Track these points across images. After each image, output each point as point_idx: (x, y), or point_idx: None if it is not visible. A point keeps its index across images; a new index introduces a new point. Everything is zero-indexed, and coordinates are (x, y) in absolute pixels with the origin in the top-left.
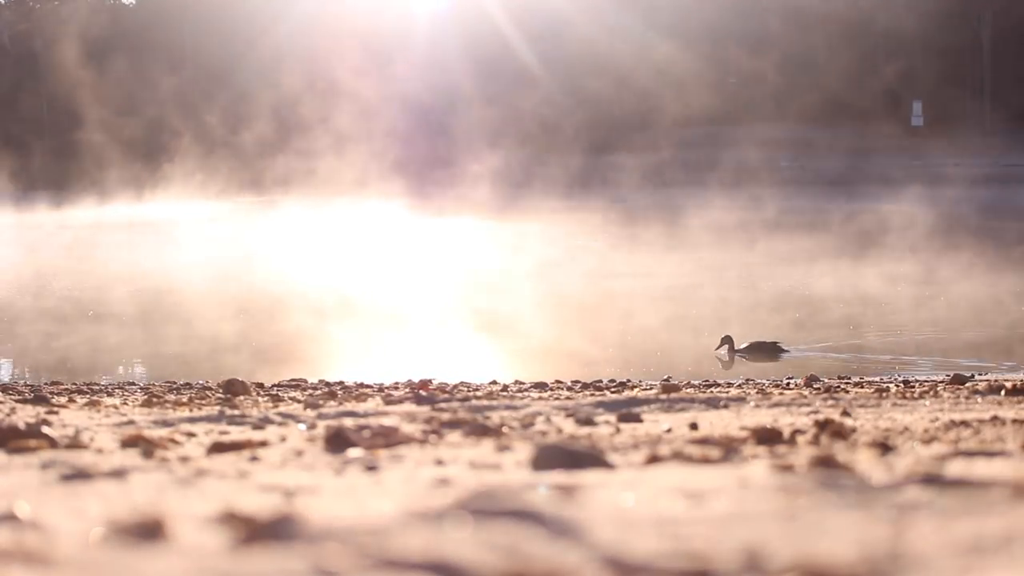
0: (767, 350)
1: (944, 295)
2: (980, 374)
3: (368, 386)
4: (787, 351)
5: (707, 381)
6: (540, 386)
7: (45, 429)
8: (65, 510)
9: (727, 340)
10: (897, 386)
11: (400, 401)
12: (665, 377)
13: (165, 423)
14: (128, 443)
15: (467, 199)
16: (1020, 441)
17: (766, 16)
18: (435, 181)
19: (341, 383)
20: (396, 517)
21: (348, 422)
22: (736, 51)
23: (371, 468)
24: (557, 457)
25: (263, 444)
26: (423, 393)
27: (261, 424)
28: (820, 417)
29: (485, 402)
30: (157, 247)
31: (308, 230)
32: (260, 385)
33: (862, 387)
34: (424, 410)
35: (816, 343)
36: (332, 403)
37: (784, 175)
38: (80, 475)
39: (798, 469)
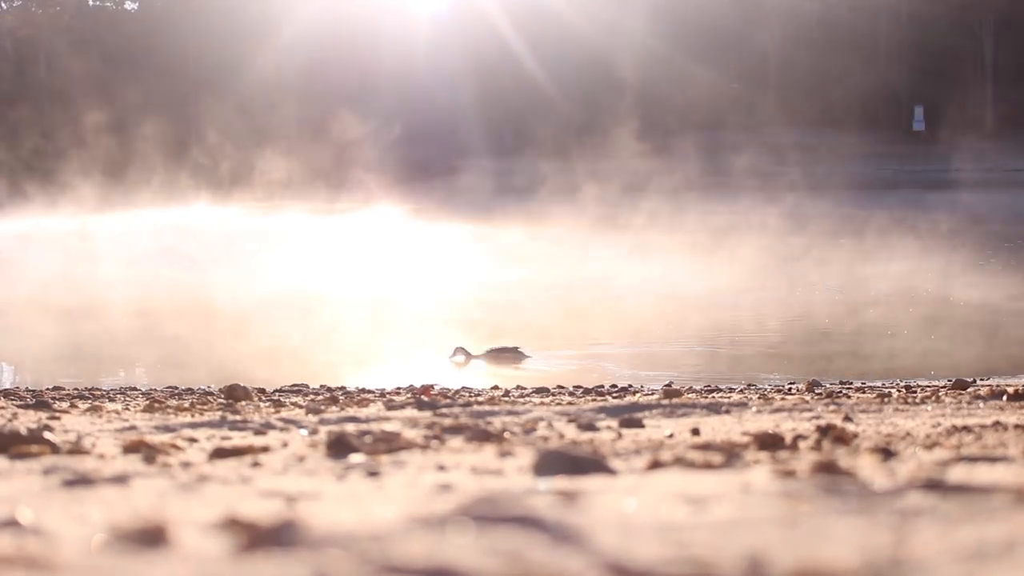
0: (507, 355)
1: (796, 302)
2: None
3: (370, 391)
4: (528, 356)
5: (709, 386)
6: (542, 391)
7: (47, 435)
8: (67, 516)
9: (460, 349)
10: (899, 391)
11: (402, 406)
12: (667, 382)
13: (167, 428)
14: (130, 449)
15: (467, 203)
16: (1022, 447)
17: (768, 21)
18: (436, 185)
19: (343, 388)
20: (398, 523)
21: (350, 427)
22: (738, 56)
23: (373, 474)
24: (559, 463)
25: (265, 450)
26: (425, 398)
27: (263, 430)
28: (822, 422)
29: (487, 407)
30: (157, 252)
31: (310, 236)
32: (262, 390)
33: (864, 392)
34: (426, 415)
35: (584, 348)
36: (334, 408)
37: (785, 180)
38: (82, 481)
39: (800, 475)
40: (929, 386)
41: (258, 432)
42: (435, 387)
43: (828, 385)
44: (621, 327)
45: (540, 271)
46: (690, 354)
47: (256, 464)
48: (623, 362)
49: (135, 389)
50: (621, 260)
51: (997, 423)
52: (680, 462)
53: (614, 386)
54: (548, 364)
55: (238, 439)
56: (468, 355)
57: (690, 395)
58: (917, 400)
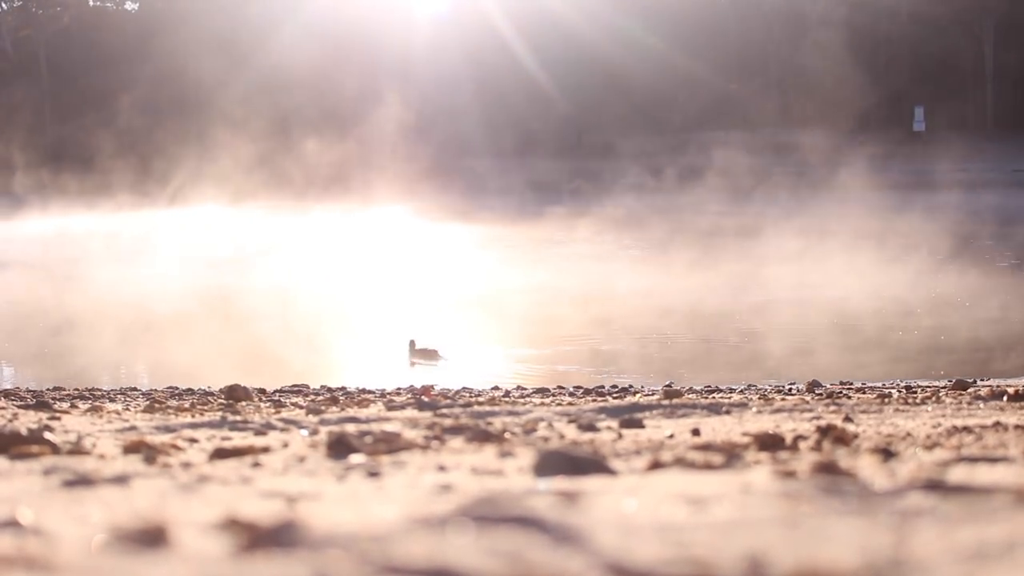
0: (429, 356)
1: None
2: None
3: (370, 392)
4: (444, 359)
5: (709, 387)
6: (542, 392)
7: (47, 435)
8: (67, 516)
9: (412, 344)
10: (899, 392)
11: (402, 407)
12: (667, 383)
13: (167, 429)
14: (130, 449)
15: (467, 203)
16: (1023, 447)
17: (768, 22)
18: (436, 185)
19: (343, 389)
20: (398, 523)
21: (350, 428)
22: (738, 57)
23: (373, 474)
24: (559, 463)
25: (265, 450)
26: (425, 399)
27: (263, 430)
28: (822, 423)
29: (487, 408)
30: (159, 254)
31: (310, 236)
32: (262, 391)
33: (864, 393)
34: (426, 416)
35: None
36: (334, 409)
37: (784, 181)
38: (82, 481)
39: (800, 475)
40: (929, 386)
41: (258, 432)
42: (435, 387)
43: (828, 385)
44: (580, 326)
45: (538, 273)
46: (621, 352)
47: (256, 464)
48: (555, 362)
49: (135, 389)
50: (617, 262)
51: (997, 423)
52: (680, 462)
53: (614, 386)
54: (466, 367)
55: (238, 439)
56: (414, 349)
57: (690, 396)
58: (917, 400)
